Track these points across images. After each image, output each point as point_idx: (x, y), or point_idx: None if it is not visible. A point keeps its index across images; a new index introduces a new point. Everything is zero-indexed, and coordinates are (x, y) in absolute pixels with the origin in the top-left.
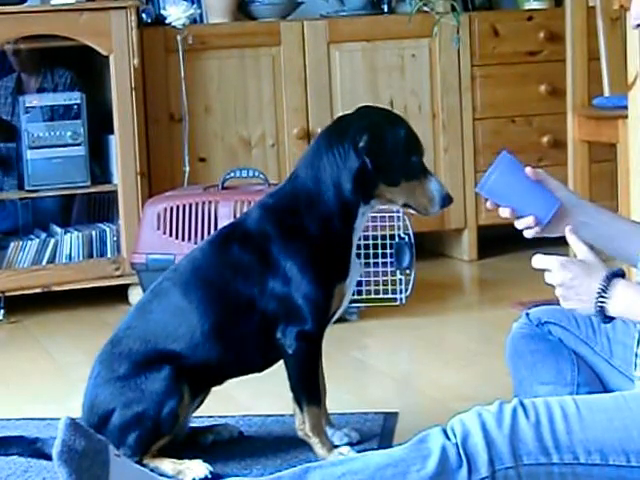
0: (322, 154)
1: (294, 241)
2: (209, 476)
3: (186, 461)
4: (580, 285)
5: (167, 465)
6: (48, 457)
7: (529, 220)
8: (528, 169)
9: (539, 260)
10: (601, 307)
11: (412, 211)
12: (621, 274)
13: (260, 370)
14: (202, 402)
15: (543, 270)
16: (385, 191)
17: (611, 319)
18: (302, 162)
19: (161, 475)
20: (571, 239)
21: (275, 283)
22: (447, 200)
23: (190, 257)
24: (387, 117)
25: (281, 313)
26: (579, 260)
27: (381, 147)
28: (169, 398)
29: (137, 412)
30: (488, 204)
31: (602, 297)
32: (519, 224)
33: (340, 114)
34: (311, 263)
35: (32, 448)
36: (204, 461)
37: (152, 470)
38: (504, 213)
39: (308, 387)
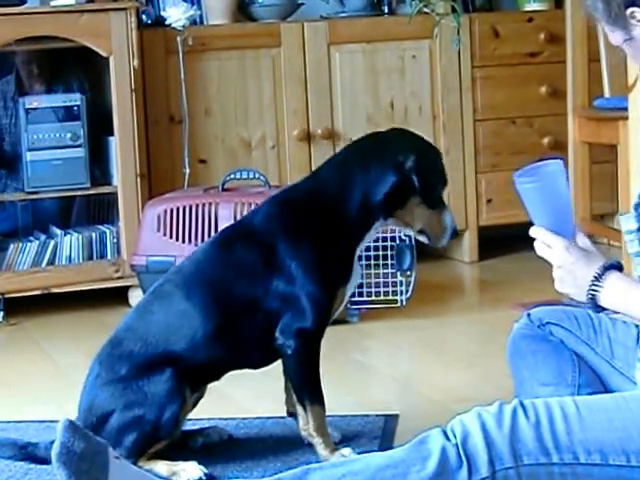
0: (355, 163)
1: (302, 239)
2: (203, 478)
3: (180, 463)
4: (579, 270)
5: (161, 467)
6: (39, 461)
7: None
8: None
9: (544, 234)
10: (593, 295)
11: (422, 238)
12: (618, 266)
13: (257, 367)
14: (197, 403)
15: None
16: (408, 213)
17: (602, 309)
18: (329, 165)
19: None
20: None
21: (279, 282)
22: (455, 234)
23: (193, 258)
24: (426, 143)
25: (283, 311)
26: (581, 247)
27: (426, 169)
28: (171, 402)
29: (137, 415)
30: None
31: (595, 285)
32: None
33: (374, 132)
34: (318, 263)
35: (23, 452)
36: (201, 463)
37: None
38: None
39: (310, 386)
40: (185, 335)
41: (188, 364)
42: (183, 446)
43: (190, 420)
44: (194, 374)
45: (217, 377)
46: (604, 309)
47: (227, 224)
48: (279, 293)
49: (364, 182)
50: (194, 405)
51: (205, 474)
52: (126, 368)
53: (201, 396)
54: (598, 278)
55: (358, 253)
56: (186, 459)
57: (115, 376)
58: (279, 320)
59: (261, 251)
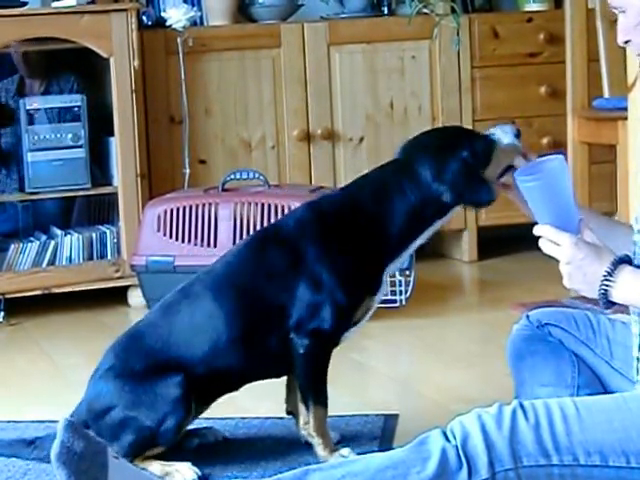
0: (397, 185)
1: (331, 244)
2: (196, 479)
3: (175, 463)
4: (589, 266)
5: (155, 467)
6: (46, 459)
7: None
8: None
9: (550, 231)
10: (605, 291)
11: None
12: (628, 260)
13: (277, 376)
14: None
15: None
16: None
17: (613, 304)
18: (370, 179)
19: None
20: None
21: (306, 288)
22: (517, 132)
23: (224, 260)
24: (447, 143)
25: (305, 315)
26: (589, 242)
27: (455, 179)
28: (175, 413)
29: (139, 418)
30: (510, 195)
31: (607, 281)
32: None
33: (405, 142)
34: (344, 269)
35: (29, 450)
36: (201, 463)
37: None
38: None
39: (317, 387)
40: (208, 339)
41: (206, 370)
42: (178, 446)
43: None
44: (209, 382)
45: (230, 389)
46: (614, 304)
47: (227, 224)
48: (305, 300)
49: (409, 205)
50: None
51: (199, 475)
52: (141, 365)
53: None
54: (610, 274)
55: (394, 266)
56: (187, 459)
57: (129, 371)
58: (297, 322)
59: (291, 256)
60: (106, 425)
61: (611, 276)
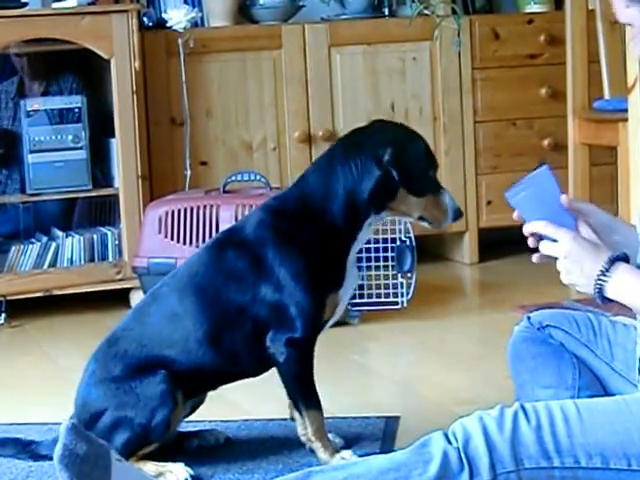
0: (337, 163)
1: (290, 247)
2: (189, 479)
3: (168, 464)
4: (586, 260)
5: (149, 467)
6: (42, 458)
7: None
8: (563, 197)
9: (549, 227)
10: (600, 287)
11: (424, 224)
12: (625, 258)
13: (255, 375)
14: (196, 409)
15: (543, 240)
16: (402, 203)
17: (609, 300)
18: (313, 168)
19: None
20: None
21: (267, 290)
22: (458, 214)
23: (188, 263)
24: (406, 132)
25: (271, 320)
26: (587, 239)
27: (405, 160)
28: (163, 406)
29: (129, 417)
30: (515, 215)
31: (603, 277)
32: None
33: (356, 127)
34: (305, 271)
35: (27, 450)
36: (202, 464)
37: None
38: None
39: (304, 392)
40: (178, 339)
41: (182, 369)
42: (179, 448)
43: (191, 422)
44: (189, 380)
45: (214, 386)
46: (611, 301)
47: (227, 226)
48: (267, 301)
49: (346, 181)
50: (193, 411)
51: (192, 475)
52: (120, 368)
53: (201, 402)
54: (606, 270)
55: (352, 255)
56: (187, 461)
57: (109, 375)
58: (268, 328)
59: (251, 259)
60: (99, 430)
61: (607, 272)
